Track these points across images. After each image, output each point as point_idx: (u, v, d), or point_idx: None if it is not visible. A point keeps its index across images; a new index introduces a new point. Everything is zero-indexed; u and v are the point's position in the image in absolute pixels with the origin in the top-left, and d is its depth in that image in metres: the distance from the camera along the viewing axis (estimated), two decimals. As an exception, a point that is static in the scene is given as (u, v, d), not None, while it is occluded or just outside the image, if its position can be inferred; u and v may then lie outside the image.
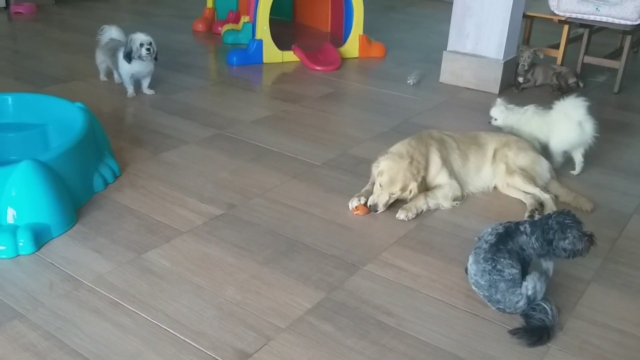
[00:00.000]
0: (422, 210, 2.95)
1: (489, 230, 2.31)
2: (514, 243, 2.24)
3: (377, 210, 2.91)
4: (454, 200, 3.03)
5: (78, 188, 2.88)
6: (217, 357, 2.01)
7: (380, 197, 2.91)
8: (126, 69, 4.26)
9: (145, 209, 2.92)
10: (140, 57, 4.14)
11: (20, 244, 2.51)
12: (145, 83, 4.41)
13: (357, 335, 2.14)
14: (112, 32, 4.48)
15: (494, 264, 2.20)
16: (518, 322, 2.22)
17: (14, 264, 2.48)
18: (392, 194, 2.92)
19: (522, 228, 2.25)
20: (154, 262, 2.51)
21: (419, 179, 2.94)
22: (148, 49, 4.11)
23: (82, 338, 2.07)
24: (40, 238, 2.58)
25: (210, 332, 2.12)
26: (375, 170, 3.00)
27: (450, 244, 2.73)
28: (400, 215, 2.89)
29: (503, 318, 2.24)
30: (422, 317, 2.25)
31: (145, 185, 3.14)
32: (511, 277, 2.18)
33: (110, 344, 2.05)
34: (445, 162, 3.07)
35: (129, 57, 4.14)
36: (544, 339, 2.12)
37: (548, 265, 2.27)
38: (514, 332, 2.15)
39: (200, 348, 2.05)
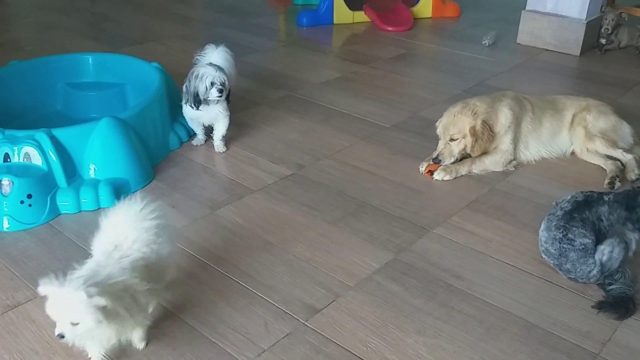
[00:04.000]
0: (462, 174, 2.91)
1: (568, 197, 2.23)
2: (591, 213, 2.16)
3: (440, 161, 2.91)
4: (506, 165, 2.97)
5: (155, 145, 2.98)
6: (287, 311, 2.07)
7: (440, 147, 2.94)
8: (188, 114, 3.09)
9: (218, 167, 2.99)
10: (206, 101, 2.95)
11: (101, 197, 2.64)
12: (219, 131, 3.09)
13: (425, 297, 2.14)
14: (212, 56, 3.18)
15: (565, 232, 2.13)
16: (592, 289, 2.16)
17: (95, 216, 2.58)
18: (451, 140, 2.91)
19: (605, 198, 2.16)
20: (227, 219, 2.58)
21: (479, 122, 2.88)
22: (220, 90, 2.90)
23: (159, 288, 2.17)
24: (119, 192, 2.68)
25: (280, 287, 2.18)
26: None
27: (524, 209, 2.66)
28: (439, 175, 2.88)
29: (576, 285, 2.18)
30: (492, 281, 2.22)
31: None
32: (582, 246, 2.11)
33: (186, 294, 2.14)
34: (517, 122, 2.99)
35: (196, 101, 2.94)
36: (630, 309, 2.04)
37: (634, 236, 2.13)
38: (600, 307, 2.07)
39: (271, 301, 2.11)
